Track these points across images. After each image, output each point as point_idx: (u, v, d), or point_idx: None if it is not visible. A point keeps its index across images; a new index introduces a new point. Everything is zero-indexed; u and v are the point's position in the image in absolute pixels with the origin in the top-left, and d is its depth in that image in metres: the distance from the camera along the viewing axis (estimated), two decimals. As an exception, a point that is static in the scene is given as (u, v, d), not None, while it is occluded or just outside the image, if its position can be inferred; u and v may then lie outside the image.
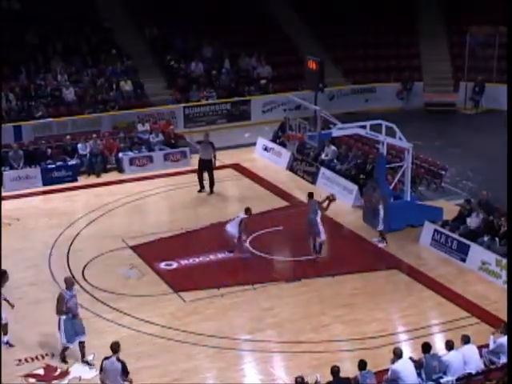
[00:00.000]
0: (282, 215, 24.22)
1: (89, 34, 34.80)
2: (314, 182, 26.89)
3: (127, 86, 33.20)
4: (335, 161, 27.40)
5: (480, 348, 15.59)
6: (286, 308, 18.88)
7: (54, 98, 31.89)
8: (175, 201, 25.73)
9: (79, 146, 28.31)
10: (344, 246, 21.92)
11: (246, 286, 19.78)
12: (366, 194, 23.42)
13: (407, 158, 23.14)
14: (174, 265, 20.98)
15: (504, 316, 16.70)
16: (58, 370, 16.26)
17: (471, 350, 15.21)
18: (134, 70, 34.21)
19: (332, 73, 35.66)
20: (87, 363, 16.32)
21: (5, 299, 16.87)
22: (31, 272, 20.65)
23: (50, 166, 27.32)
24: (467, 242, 20.89)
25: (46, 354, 16.76)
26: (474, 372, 14.88)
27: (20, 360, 16.58)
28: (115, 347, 14.53)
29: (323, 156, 27.76)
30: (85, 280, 20.12)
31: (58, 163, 27.55)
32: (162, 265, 20.95)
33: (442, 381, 14.74)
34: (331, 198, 21.57)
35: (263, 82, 35.14)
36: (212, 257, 21.33)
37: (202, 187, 26.02)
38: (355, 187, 25.07)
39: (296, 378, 13.90)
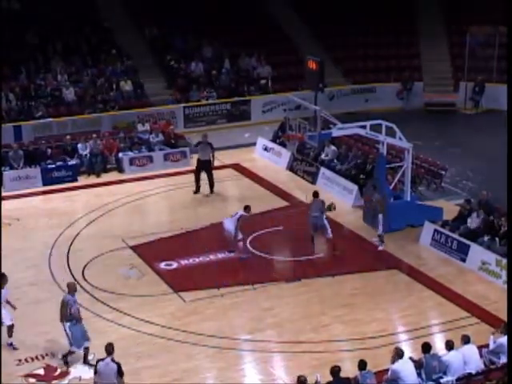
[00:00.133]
0: (282, 215, 24.22)
1: (89, 34, 34.81)
2: (314, 182, 26.89)
3: (127, 86, 33.21)
4: (335, 161, 27.40)
5: (480, 348, 15.58)
6: (286, 308, 18.88)
7: (54, 97, 31.90)
8: (175, 201, 25.73)
9: (79, 146, 28.32)
10: (344, 245, 21.89)
11: (246, 286, 19.78)
12: (366, 194, 23.42)
13: (407, 158, 23.14)
14: (174, 265, 20.99)
15: (504, 316, 16.70)
16: (58, 370, 16.27)
17: (471, 350, 15.20)
18: (134, 70, 34.21)
19: (332, 73, 35.66)
20: (88, 364, 16.30)
21: (7, 302, 16.80)
22: (31, 272, 20.66)
23: (50, 166, 27.32)
24: (467, 242, 20.89)
25: (46, 354, 16.76)
26: (473, 372, 14.87)
27: (20, 360, 16.58)
28: (109, 349, 14.47)
29: (323, 156, 27.76)
30: (85, 280, 20.12)
31: (58, 163, 27.56)
32: (162, 265, 20.96)
33: (441, 381, 14.74)
34: (332, 208, 21.66)
35: (263, 81, 35.13)
36: (212, 257, 21.33)
37: (198, 189, 25.95)
38: (355, 187, 25.07)
39: (299, 376, 13.90)
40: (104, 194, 26.24)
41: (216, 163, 27.73)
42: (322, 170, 26.83)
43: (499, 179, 21.84)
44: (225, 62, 35.49)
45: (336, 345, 17.30)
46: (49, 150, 28.30)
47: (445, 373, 14.86)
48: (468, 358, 15.05)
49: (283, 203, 25.27)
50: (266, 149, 29.87)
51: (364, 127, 22.80)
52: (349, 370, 15.11)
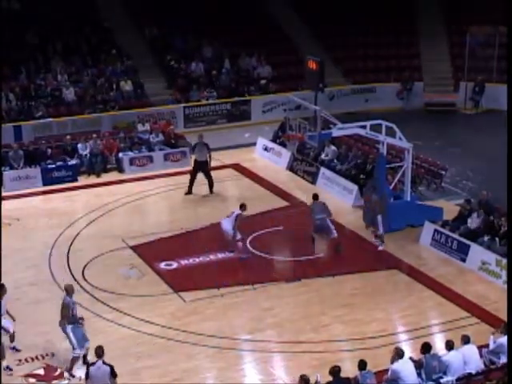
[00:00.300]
0: (282, 215, 24.22)
1: (89, 34, 34.81)
2: (314, 182, 26.89)
3: (127, 85, 33.21)
4: (335, 161, 27.40)
5: (480, 348, 15.59)
6: (286, 308, 18.87)
7: (54, 97, 31.91)
8: (175, 201, 25.73)
9: (79, 146, 28.32)
10: (344, 245, 21.88)
11: (246, 286, 19.78)
12: (366, 194, 23.41)
13: (407, 158, 23.14)
14: (174, 265, 20.98)
15: (504, 316, 16.70)
16: (58, 370, 16.25)
17: (471, 350, 15.21)
18: (134, 70, 34.22)
19: (332, 73, 35.67)
20: (88, 364, 16.26)
21: (7, 312, 16.69)
22: (31, 272, 20.65)
23: (50, 166, 27.33)
24: (467, 242, 20.89)
25: (46, 354, 16.75)
26: (473, 372, 14.87)
27: (20, 360, 16.58)
28: (99, 352, 14.39)
29: (323, 156, 27.76)
30: (85, 280, 20.12)
31: (58, 163, 27.56)
32: (162, 265, 20.95)
33: (442, 381, 14.74)
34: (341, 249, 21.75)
35: (263, 81, 35.13)
36: (212, 257, 21.33)
37: (190, 190, 25.91)
38: (355, 187, 25.07)
39: (301, 375, 13.91)
40: (104, 194, 26.24)
41: (216, 163, 27.80)
42: (322, 170, 26.83)
43: (499, 179, 21.83)
44: (225, 61, 35.49)
45: (336, 345, 17.30)
46: (49, 150, 28.31)
47: (445, 373, 14.86)
48: (468, 358, 15.05)
49: (283, 203, 25.27)
50: (266, 149, 29.87)
51: (364, 127, 22.80)
52: (349, 370, 15.12)
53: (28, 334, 17.40)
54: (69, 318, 15.97)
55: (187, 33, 36.01)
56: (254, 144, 30.44)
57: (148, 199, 26.01)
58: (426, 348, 14.95)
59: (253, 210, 24.16)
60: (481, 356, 15.45)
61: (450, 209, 23.54)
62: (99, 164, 28.08)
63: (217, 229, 21.99)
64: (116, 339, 17.42)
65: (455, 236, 21.28)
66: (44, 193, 26.53)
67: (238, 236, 21.16)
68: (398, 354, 14.63)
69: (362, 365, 14.37)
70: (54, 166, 27.38)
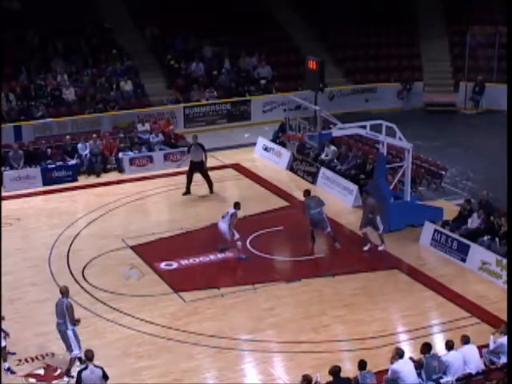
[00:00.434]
0: (282, 215, 24.22)
1: (89, 34, 34.79)
2: (314, 182, 26.89)
3: (127, 86, 33.20)
4: (335, 161, 27.39)
5: (480, 348, 15.60)
6: (287, 308, 18.87)
7: (55, 98, 31.89)
8: (175, 201, 25.72)
9: (79, 146, 28.32)
10: (344, 245, 21.89)
11: (246, 286, 19.78)
12: (362, 200, 23.08)
13: (407, 158, 23.14)
14: (175, 265, 20.98)
15: (504, 316, 16.71)
16: (58, 370, 16.25)
17: (471, 350, 15.22)
18: (134, 70, 34.20)
19: (332, 73, 35.65)
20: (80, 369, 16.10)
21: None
22: (31, 272, 20.65)
23: (50, 166, 27.33)
24: (467, 242, 20.89)
25: (46, 354, 16.75)
26: (474, 372, 14.89)
27: (20, 360, 16.58)
28: (89, 355, 14.38)
29: (323, 156, 27.76)
30: (85, 280, 20.13)
31: (58, 163, 27.57)
32: (163, 265, 20.95)
33: (442, 381, 14.76)
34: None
35: (263, 81, 35.13)
36: (212, 257, 21.33)
37: (188, 191, 25.91)
38: (355, 187, 25.07)
39: (304, 375, 13.93)
40: (104, 194, 26.24)
41: (216, 163, 27.85)
42: (322, 170, 26.83)
43: (499, 179, 21.86)
44: (225, 61, 35.47)
45: (336, 345, 17.31)
46: (49, 150, 28.31)
47: (445, 373, 14.88)
48: (468, 358, 15.06)
49: (283, 203, 25.27)
50: (266, 149, 29.87)
51: (364, 127, 22.80)
52: (349, 369, 15.14)
53: (28, 333, 17.42)
54: (73, 319, 15.95)
55: (187, 33, 35.97)
56: (254, 144, 30.44)
57: (148, 199, 26.01)
58: (426, 348, 14.96)
59: (253, 210, 24.21)
60: (481, 356, 15.47)
61: (450, 209, 23.54)
62: (99, 164, 28.09)
63: (217, 229, 21.98)
64: (116, 339, 17.43)
65: (455, 236, 21.28)
66: (44, 193, 26.52)
67: (236, 235, 21.14)
68: (398, 354, 14.64)
69: (362, 365, 14.38)
70: (54, 166, 27.39)
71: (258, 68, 35.70)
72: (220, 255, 21.38)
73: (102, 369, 14.25)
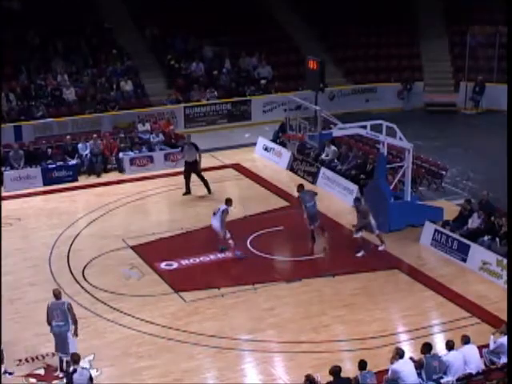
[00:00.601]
0: (283, 215, 24.21)
1: (89, 34, 34.79)
2: (314, 182, 26.88)
3: (127, 86, 33.20)
4: (336, 161, 27.39)
5: (480, 348, 15.59)
6: (287, 308, 18.87)
7: (55, 97, 31.90)
8: (176, 201, 25.72)
9: (79, 146, 28.33)
10: (344, 245, 21.89)
11: (246, 286, 19.78)
12: (355, 206, 22.94)
13: (408, 158, 23.14)
14: (175, 265, 20.98)
15: (504, 316, 16.70)
16: (59, 370, 16.24)
17: (472, 350, 15.21)
18: (134, 70, 34.20)
19: (332, 73, 35.65)
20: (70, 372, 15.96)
21: None
22: (31, 272, 20.65)
23: (50, 166, 27.34)
24: (468, 242, 20.88)
25: (47, 354, 16.73)
26: (474, 372, 14.88)
27: (20, 360, 16.57)
28: (76, 358, 14.50)
29: (323, 156, 27.76)
30: (85, 280, 20.13)
31: (59, 163, 27.57)
32: (163, 265, 20.94)
33: (442, 381, 14.75)
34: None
35: (263, 82, 35.13)
36: (212, 257, 21.33)
37: (188, 191, 25.90)
38: (355, 187, 25.06)
39: (306, 375, 13.95)
40: (104, 194, 26.24)
41: (217, 163, 27.87)
42: (323, 170, 26.83)
43: (500, 179, 21.85)
44: (225, 61, 35.47)
45: (336, 345, 17.30)
46: (49, 150, 28.32)
47: (445, 373, 14.88)
48: (468, 358, 15.06)
49: (283, 203, 25.25)
50: (266, 149, 29.86)
51: (364, 127, 22.79)
52: (349, 370, 15.14)
53: (28, 333, 17.41)
54: (75, 319, 15.94)
55: (187, 33, 35.97)
56: (255, 144, 30.44)
57: (148, 199, 26.01)
58: (427, 348, 14.96)
59: (253, 210, 24.22)
60: (481, 356, 15.47)
61: (450, 209, 23.54)
62: (99, 164, 28.09)
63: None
64: (116, 339, 17.43)
65: (456, 236, 21.27)
66: (44, 193, 26.52)
67: (228, 234, 21.17)
68: (399, 354, 14.64)
69: (363, 365, 14.38)
70: (54, 166, 27.39)
71: (259, 68, 35.70)
72: (220, 255, 21.38)
73: (88, 371, 14.43)
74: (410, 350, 16.41)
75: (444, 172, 26.33)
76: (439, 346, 16.42)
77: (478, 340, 15.90)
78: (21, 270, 20.70)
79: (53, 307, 15.93)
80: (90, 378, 14.36)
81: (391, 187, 23.38)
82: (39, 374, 16.17)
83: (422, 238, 22.22)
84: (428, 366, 14.74)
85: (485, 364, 15.43)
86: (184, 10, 35.64)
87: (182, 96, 33.39)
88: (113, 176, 28.00)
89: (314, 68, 30.19)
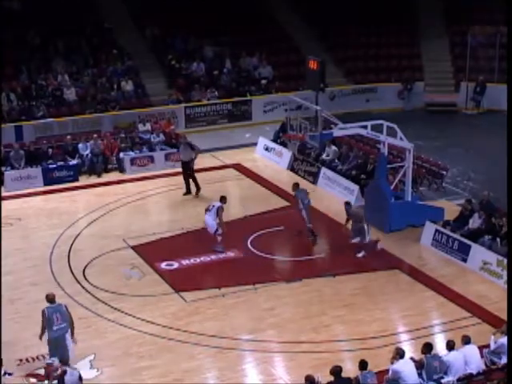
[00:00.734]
0: (283, 215, 24.19)
1: (90, 34, 34.79)
2: (314, 182, 26.89)
3: (128, 85, 33.21)
4: (336, 161, 27.39)
5: (481, 348, 15.59)
6: (287, 308, 18.87)
7: (55, 97, 31.90)
8: (176, 201, 25.71)
9: (80, 146, 28.33)
10: (345, 245, 21.88)
11: (247, 286, 19.78)
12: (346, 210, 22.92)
13: (408, 158, 23.13)
14: (175, 265, 20.98)
15: (505, 316, 16.66)
16: (59, 370, 16.20)
17: (472, 351, 15.21)
18: (134, 70, 34.20)
19: (333, 73, 35.64)
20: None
21: None
22: (32, 272, 20.65)
23: (51, 166, 27.34)
24: (468, 242, 20.87)
25: (47, 354, 16.71)
26: (475, 372, 14.88)
27: (21, 360, 16.57)
28: (66, 360, 14.71)
29: (324, 156, 27.76)
30: (86, 280, 20.13)
31: (59, 163, 27.58)
32: (163, 265, 20.94)
33: (442, 381, 14.75)
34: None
35: (264, 82, 35.13)
36: (213, 257, 21.33)
37: (189, 190, 25.86)
38: (356, 187, 25.07)
39: (306, 376, 13.94)
40: (105, 193, 26.25)
41: (217, 163, 27.89)
42: (323, 170, 26.83)
43: (500, 179, 21.83)
44: (226, 61, 35.47)
45: (337, 345, 17.30)
46: (50, 150, 28.33)
47: (446, 373, 14.88)
48: (469, 359, 15.06)
49: (284, 203, 25.23)
50: (267, 149, 29.87)
51: (365, 127, 22.79)
52: (350, 370, 15.13)
53: (28, 333, 17.38)
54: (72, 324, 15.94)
55: (188, 33, 35.96)
56: (255, 144, 30.44)
57: (149, 199, 26.01)
58: (427, 348, 14.96)
59: (253, 210, 24.21)
60: (482, 356, 15.46)
61: (451, 209, 23.54)
62: (100, 164, 28.10)
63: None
64: (117, 339, 17.43)
65: (456, 236, 21.26)
66: (45, 193, 26.53)
67: (219, 231, 21.23)
68: (399, 354, 14.65)
69: (363, 365, 14.38)
70: (54, 165, 27.40)
71: (259, 68, 35.70)
72: (221, 255, 21.37)
73: (78, 370, 14.52)
74: (410, 350, 16.41)
75: (445, 172, 26.32)
76: (440, 346, 16.42)
77: (478, 340, 15.89)
78: (21, 269, 20.70)
79: (51, 311, 15.74)
80: (80, 378, 14.42)
81: (392, 187, 23.38)
82: (39, 374, 16.15)
83: (422, 238, 22.21)
84: (429, 366, 14.74)
85: (485, 364, 15.42)
86: (184, 9, 35.65)
87: (182, 96, 33.39)
88: (113, 176, 28.00)
89: (314, 68, 30.20)
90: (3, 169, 26.79)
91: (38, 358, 16.65)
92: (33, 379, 16.03)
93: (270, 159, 29.40)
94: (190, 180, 25.87)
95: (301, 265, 21.30)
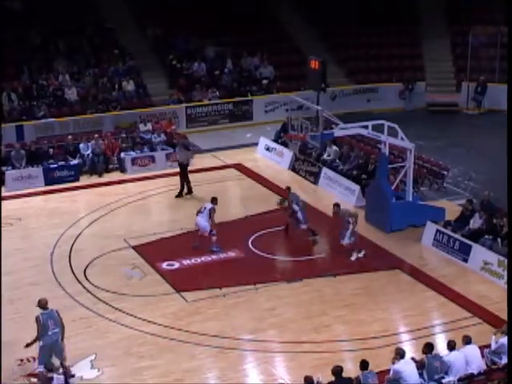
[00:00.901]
0: (284, 215, 24.14)
1: (91, 34, 34.80)
2: (315, 182, 26.90)
3: (129, 85, 33.20)
4: (337, 161, 27.38)
5: (482, 348, 15.59)
6: (288, 308, 18.87)
7: (57, 97, 31.91)
8: (177, 201, 25.70)
9: (81, 145, 28.34)
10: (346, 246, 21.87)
11: (247, 286, 19.78)
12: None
13: (409, 158, 23.13)
14: (176, 265, 20.97)
15: (506, 316, 16.67)
16: (60, 370, 16.19)
17: (473, 351, 15.21)
18: (136, 70, 34.21)
19: (334, 73, 35.60)
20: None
21: None
22: (33, 272, 20.65)
23: (52, 166, 27.35)
24: (469, 242, 20.87)
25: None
26: (475, 372, 14.88)
27: (22, 360, 16.55)
28: (50, 366, 14.75)
29: (325, 156, 27.76)
30: (87, 280, 20.13)
31: (60, 163, 27.59)
32: (164, 265, 20.94)
33: (443, 381, 14.75)
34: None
35: (265, 81, 35.12)
36: (214, 257, 21.34)
37: (190, 190, 25.84)
38: (357, 187, 25.08)
39: (306, 377, 13.94)
40: (106, 193, 26.25)
41: (218, 163, 27.87)
42: (324, 170, 26.82)
43: (501, 179, 21.81)
44: (227, 61, 35.47)
45: (338, 345, 17.29)
46: (51, 150, 28.34)
47: (447, 373, 14.87)
48: (470, 359, 15.06)
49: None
50: (268, 149, 29.87)
51: (366, 127, 22.79)
52: (350, 370, 15.13)
53: (29, 333, 17.34)
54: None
55: (189, 33, 35.96)
56: (256, 144, 30.44)
57: (150, 199, 26.02)
58: (428, 348, 14.95)
59: (254, 210, 24.21)
60: (482, 356, 15.46)
61: (452, 209, 23.53)
62: (101, 164, 28.11)
63: (219, 229, 21.99)
64: (118, 339, 17.43)
65: (457, 236, 21.26)
66: (46, 192, 26.53)
67: (214, 231, 21.29)
68: (399, 354, 14.64)
69: (364, 365, 14.38)
70: (55, 165, 27.41)
71: (260, 68, 35.70)
72: (221, 255, 21.37)
73: (64, 374, 14.58)
74: (411, 350, 16.41)
75: (446, 172, 26.32)
76: (441, 346, 16.41)
77: (479, 340, 15.88)
78: (22, 269, 20.69)
79: (45, 317, 15.56)
80: (66, 381, 14.49)
81: (393, 187, 23.38)
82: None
83: (423, 238, 22.21)
84: (429, 366, 14.73)
85: (486, 364, 15.42)
86: (186, 9, 35.63)
87: (183, 96, 33.39)
88: (114, 176, 28.00)
89: (315, 68, 30.18)
90: (4, 168, 26.80)
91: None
92: (34, 379, 16.00)
93: (271, 159, 29.40)
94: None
95: (301, 265, 21.29)
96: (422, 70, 37.60)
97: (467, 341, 15.29)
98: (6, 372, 15.77)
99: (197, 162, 27.88)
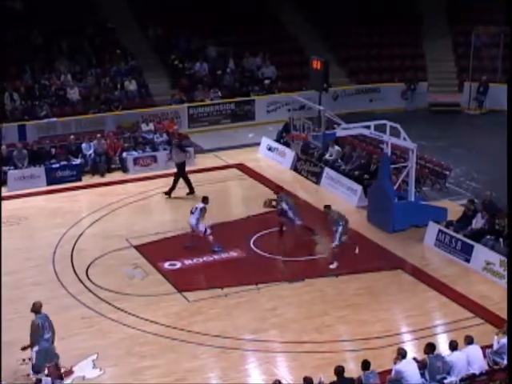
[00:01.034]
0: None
1: (93, 34, 34.81)
2: (317, 182, 26.90)
3: (131, 85, 33.20)
4: (339, 161, 27.38)
5: (484, 348, 15.59)
6: (290, 308, 18.87)
7: (59, 97, 31.90)
8: (179, 201, 25.69)
9: (83, 145, 28.35)
10: (348, 245, 21.84)
11: (249, 286, 19.78)
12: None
13: (411, 159, 23.12)
14: (178, 264, 20.98)
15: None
16: (62, 370, 16.22)
17: (475, 351, 15.21)
18: (138, 70, 34.20)
19: (336, 73, 35.61)
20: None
21: None
22: (35, 272, 20.65)
23: (54, 166, 27.36)
24: (471, 242, 20.86)
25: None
26: (477, 372, 14.88)
27: (24, 359, 16.54)
28: (39, 369, 14.95)
29: (327, 156, 27.75)
30: (89, 280, 20.13)
31: (62, 163, 27.60)
32: (166, 265, 20.95)
33: (445, 381, 14.74)
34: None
35: (267, 81, 35.12)
36: (216, 257, 21.34)
37: (191, 190, 25.86)
38: (359, 187, 25.07)
39: (305, 378, 13.93)
40: (108, 193, 26.25)
41: (220, 163, 27.86)
42: (326, 170, 26.82)
43: (503, 180, 21.78)
44: (229, 61, 35.47)
45: (340, 345, 17.29)
46: (53, 150, 28.34)
47: (448, 373, 14.87)
48: (472, 359, 15.05)
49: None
50: (270, 149, 29.86)
51: (368, 127, 22.78)
52: (352, 370, 15.13)
53: (28, 334, 17.37)
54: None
55: (191, 33, 35.96)
56: (258, 144, 30.44)
57: (152, 199, 26.02)
58: (430, 348, 14.95)
59: (256, 210, 24.19)
60: (484, 356, 15.45)
61: (454, 209, 23.53)
62: (103, 164, 28.11)
63: (220, 228, 22.02)
64: (120, 339, 17.43)
65: (459, 236, 21.25)
66: (48, 192, 26.53)
67: (208, 230, 21.33)
68: (401, 354, 14.65)
69: (366, 365, 14.38)
70: (58, 165, 27.41)
71: (262, 68, 35.69)
72: (223, 255, 21.38)
73: (49, 376, 14.68)
74: (413, 350, 16.41)
75: (448, 172, 26.31)
76: (442, 347, 16.39)
77: (481, 340, 15.88)
78: (24, 269, 20.69)
79: (40, 321, 15.49)
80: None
81: (395, 187, 23.37)
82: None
83: (425, 238, 22.21)
84: (431, 366, 14.73)
85: (488, 364, 15.42)
86: (187, 9, 35.64)
87: (185, 96, 33.38)
88: (116, 176, 28.00)
89: (317, 68, 30.15)
90: (6, 168, 26.81)
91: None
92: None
93: (273, 159, 29.40)
94: (175, 180, 25.75)
95: (303, 265, 21.28)
96: (423, 70, 37.59)
97: (469, 341, 15.29)
98: (6, 372, 15.77)
99: (199, 161, 27.89)
